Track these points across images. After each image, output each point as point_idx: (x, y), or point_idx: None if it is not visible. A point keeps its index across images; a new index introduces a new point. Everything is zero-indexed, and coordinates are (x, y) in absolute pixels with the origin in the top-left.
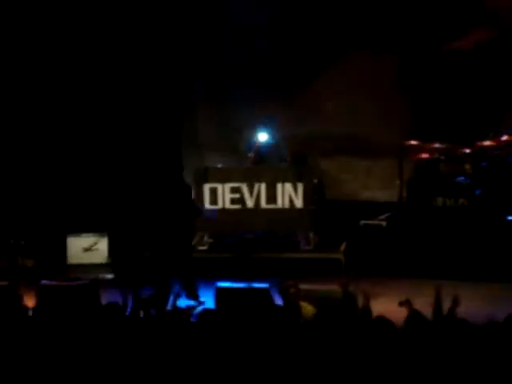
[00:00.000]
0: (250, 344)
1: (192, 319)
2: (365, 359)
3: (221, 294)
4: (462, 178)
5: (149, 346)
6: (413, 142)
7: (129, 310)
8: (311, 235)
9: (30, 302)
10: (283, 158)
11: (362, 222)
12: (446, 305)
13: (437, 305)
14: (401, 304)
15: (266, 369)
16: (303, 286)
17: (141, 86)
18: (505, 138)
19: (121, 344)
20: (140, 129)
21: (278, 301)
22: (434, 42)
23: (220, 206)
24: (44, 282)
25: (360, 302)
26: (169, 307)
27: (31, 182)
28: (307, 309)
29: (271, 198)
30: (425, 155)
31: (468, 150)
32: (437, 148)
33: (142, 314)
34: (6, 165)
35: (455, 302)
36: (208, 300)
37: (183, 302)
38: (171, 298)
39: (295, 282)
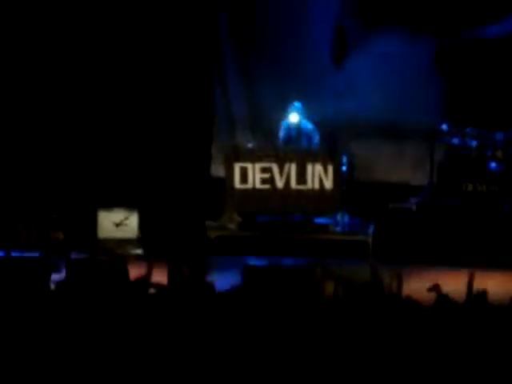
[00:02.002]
0: (276, 321)
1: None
2: (391, 339)
3: (248, 271)
4: (494, 164)
5: (176, 320)
6: (445, 126)
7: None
8: (340, 217)
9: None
10: (313, 141)
11: (391, 204)
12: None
13: (469, 291)
14: (430, 289)
15: (292, 345)
16: (330, 268)
17: (172, 60)
18: None
19: (148, 319)
20: (173, 106)
21: (305, 281)
22: (473, 24)
23: (250, 185)
24: (73, 255)
25: (392, 285)
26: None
27: (64, 157)
28: (330, 288)
29: (301, 178)
30: (455, 140)
31: (500, 136)
32: (469, 133)
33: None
34: (38, 138)
35: (484, 293)
36: (235, 277)
37: None
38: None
39: (322, 262)
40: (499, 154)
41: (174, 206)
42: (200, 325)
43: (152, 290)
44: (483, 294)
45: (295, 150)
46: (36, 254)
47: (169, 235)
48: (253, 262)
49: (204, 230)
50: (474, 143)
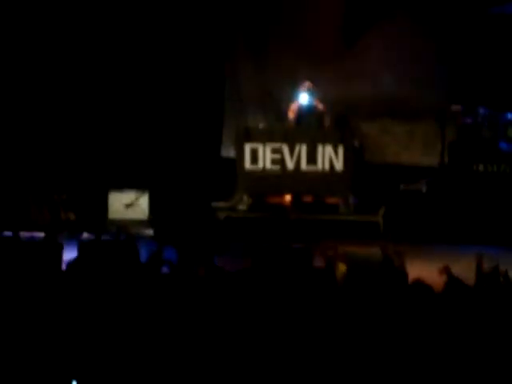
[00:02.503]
0: (285, 302)
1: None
2: (401, 322)
3: (256, 253)
4: (505, 143)
5: (186, 301)
6: (456, 107)
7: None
8: (350, 198)
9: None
10: (323, 122)
11: (402, 186)
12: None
13: (478, 273)
14: (441, 272)
15: (301, 328)
16: (341, 249)
17: (184, 45)
18: None
19: (158, 300)
20: (184, 88)
21: (317, 262)
22: (479, 4)
23: (260, 166)
24: (84, 236)
25: (395, 262)
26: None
27: (75, 138)
28: (342, 269)
29: (311, 159)
30: (467, 120)
31: (511, 116)
32: (480, 113)
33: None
34: (50, 121)
35: (497, 270)
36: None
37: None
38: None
39: (334, 244)
40: (510, 133)
41: (184, 187)
42: (210, 305)
43: (164, 269)
44: (495, 269)
45: (306, 130)
46: (48, 235)
47: (179, 216)
48: (261, 243)
49: (213, 211)
50: (485, 123)
